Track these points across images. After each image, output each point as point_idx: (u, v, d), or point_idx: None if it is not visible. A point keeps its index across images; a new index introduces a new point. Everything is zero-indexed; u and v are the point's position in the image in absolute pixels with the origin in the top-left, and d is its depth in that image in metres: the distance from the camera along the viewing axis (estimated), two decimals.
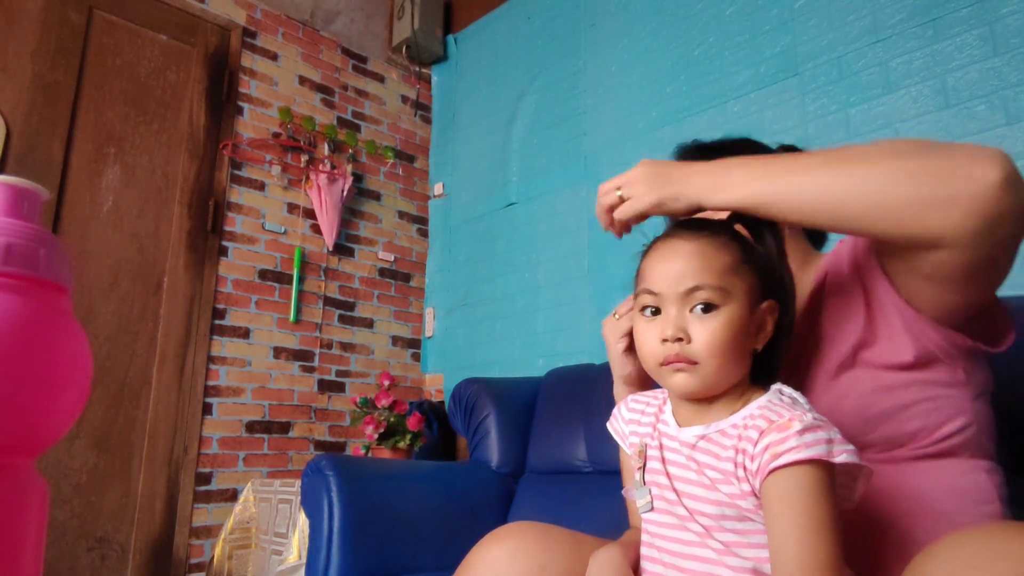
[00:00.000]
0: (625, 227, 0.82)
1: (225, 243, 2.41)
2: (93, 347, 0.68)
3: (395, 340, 2.84)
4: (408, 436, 2.23)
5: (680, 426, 0.74)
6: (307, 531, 1.49)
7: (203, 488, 2.23)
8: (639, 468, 0.76)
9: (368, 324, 2.76)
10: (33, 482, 0.43)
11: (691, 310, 0.68)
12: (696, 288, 0.67)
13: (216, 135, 2.45)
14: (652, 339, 0.70)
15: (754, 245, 0.73)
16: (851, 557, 0.70)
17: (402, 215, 2.97)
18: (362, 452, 2.32)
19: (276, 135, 2.59)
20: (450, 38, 3.13)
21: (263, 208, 2.53)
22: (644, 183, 0.77)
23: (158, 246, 2.27)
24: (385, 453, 2.23)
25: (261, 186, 2.54)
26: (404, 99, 3.07)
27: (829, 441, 0.62)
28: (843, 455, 0.61)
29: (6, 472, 0.40)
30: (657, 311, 0.70)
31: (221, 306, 2.37)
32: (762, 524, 0.65)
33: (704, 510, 0.68)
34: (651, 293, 0.70)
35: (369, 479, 1.46)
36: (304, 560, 1.80)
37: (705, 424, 0.71)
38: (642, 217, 0.79)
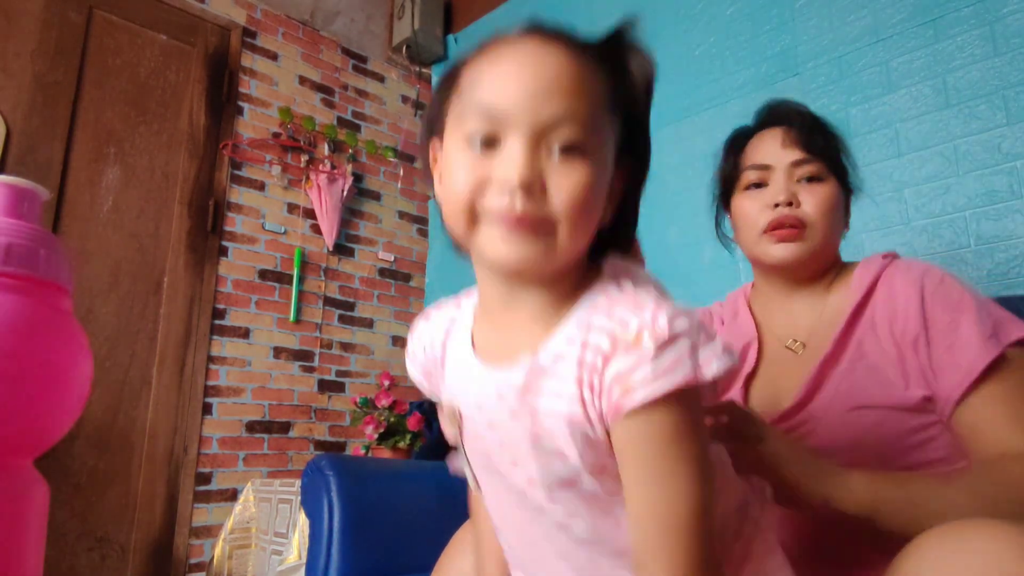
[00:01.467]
0: None
1: (225, 243, 2.41)
2: (93, 347, 0.68)
3: (395, 340, 2.84)
4: (408, 436, 2.23)
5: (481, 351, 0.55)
6: (307, 531, 1.49)
7: (203, 488, 2.23)
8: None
9: (368, 324, 2.76)
10: (33, 482, 0.43)
11: (546, 149, 0.48)
12: (563, 121, 0.48)
13: (216, 135, 2.45)
14: (469, 180, 0.48)
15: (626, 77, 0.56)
16: (850, 551, 0.70)
17: (402, 215, 2.97)
18: (362, 452, 2.32)
19: (276, 135, 2.59)
20: (450, 38, 3.13)
21: (263, 208, 2.53)
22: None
23: (158, 246, 2.27)
24: (385, 453, 2.23)
25: (261, 186, 2.53)
26: (404, 99, 3.07)
27: (693, 349, 0.46)
28: (714, 363, 0.46)
29: (6, 472, 0.40)
30: (492, 142, 0.48)
31: (221, 306, 2.37)
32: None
33: (542, 479, 0.51)
34: (490, 117, 0.48)
35: (369, 479, 1.46)
36: (304, 560, 1.80)
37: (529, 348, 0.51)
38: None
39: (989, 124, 1.56)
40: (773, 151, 0.87)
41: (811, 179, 0.84)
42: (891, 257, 0.86)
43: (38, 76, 2.11)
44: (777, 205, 0.83)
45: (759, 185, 0.87)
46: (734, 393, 0.90)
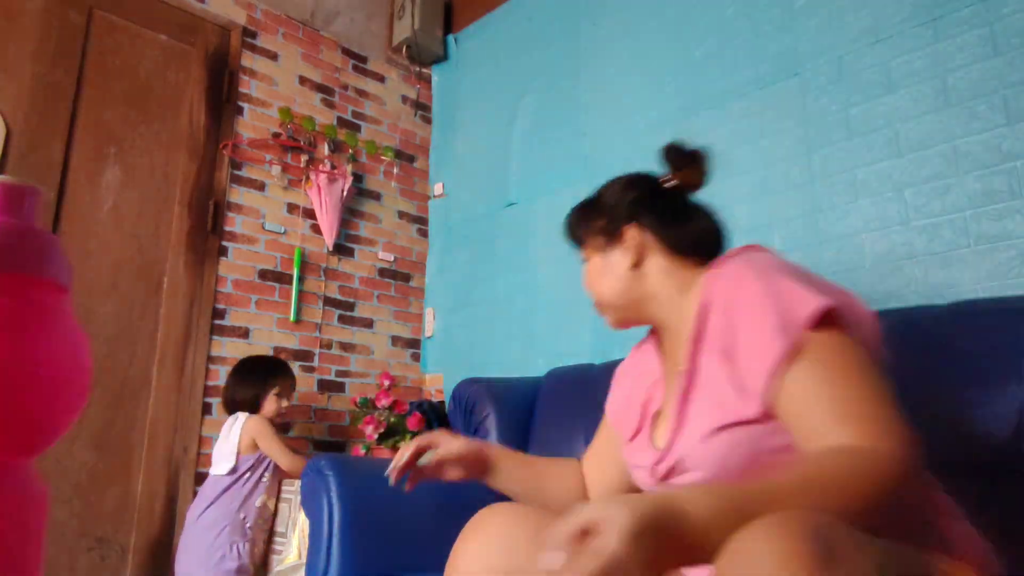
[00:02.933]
0: None
1: (225, 243, 2.41)
2: (93, 347, 0.68)
3: (395, 340, 2.84)
4: (408, 436, 2.23)
5: None
6: (307, 531, 1.49)
7: None
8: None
9: (368, 324, 2.76)
10: (33, 482, 0.43)
11: None
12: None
13: (216, 135, 2.45)
14: None
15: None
16: None
17: (402, 215, 2.97)
18: (362, 452, 2.32)
19: (276, 135, 2.59)
20: (450, 38, 3.13)
21: (263, 208, 2.53)
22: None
23: (158, 246, 2.27)
24: (385, 453, 2.23)
25: (261, 186, 2.53)
26: (404, 99, 3.07)
27: None
28: None
29: (6, 472, 0.40)
30: None
31: (221, 306, 2.37)
32: None
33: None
34: None
35: (369, 479, 1.46)
36: (304, 560, 1.80)
37: None
38: None
39: (989, 124, 1.56)
40: None
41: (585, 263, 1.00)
42: (723, 260, 0.85)
43: (38, 76, 2.11)
44: None
45: None
46: (644, 432, 0.93)
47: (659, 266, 0.92)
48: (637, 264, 0.92)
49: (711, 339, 0.79)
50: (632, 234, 0.93)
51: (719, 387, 0.77)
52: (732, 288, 0.78)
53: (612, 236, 0.94)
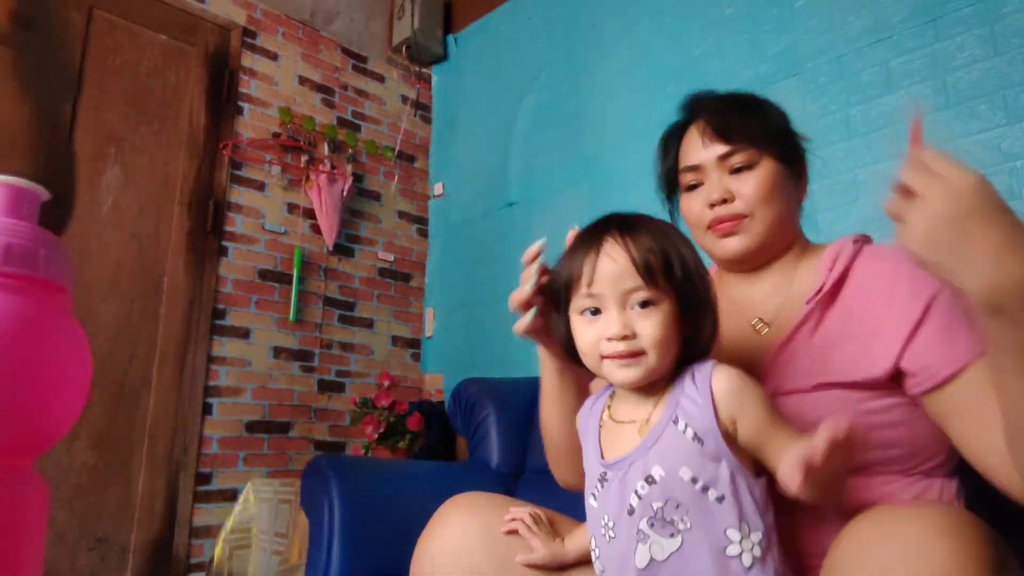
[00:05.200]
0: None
1: (225, 243, 2.41)
2: (93, 347, 0.68)
3: (395, 340, 2.84)
4: (408, 436, 2.23)
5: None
6: (307, 531, 1.49)
7: (203, 488, 2.23)
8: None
9: (368, 324, 2.76)
10: (33, 482, 0.42)
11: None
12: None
13: (216, 135, 2.45)
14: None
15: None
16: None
17: (402, 215, 2.97)
18: (362, 452, 2.32)
19: (276, 135, 2.59)
20: (450, 38, 3.13)
21: (263, 208, 2.53)
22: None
23: (158, 246, 2.27)
24: (385, 453, 2.24)
25: (261, 186, 2.53)
26: (404, 99, 3.07)
27: None
28: None
29: (6, 472, 0.40)
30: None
31: (221, 306, 2.37)
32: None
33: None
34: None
35: (369, 479, 1.46)
36: (304, 560, 1.80)
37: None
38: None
39: (989, 124, 1.56)
40: (697, 149, 0.87)
41: (740, 169, 0.84)
42: (862, 241, 0.85)
43: None
44: (713, 205, 0.85)
45: (695, 186, 0.88)
46: None
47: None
48: (800, 201, 0.90)
49: (848, 305, 0.80)
50: (807, 176, 0.90)
51: (840, 346, 0.78)
52: (911, 268, 0.75)
53: (795, 160, 0.88)
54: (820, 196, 1.80)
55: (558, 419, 0.95)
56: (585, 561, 0.83)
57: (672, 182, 0.93)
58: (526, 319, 0.80)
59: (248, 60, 2.57)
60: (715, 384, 0.69)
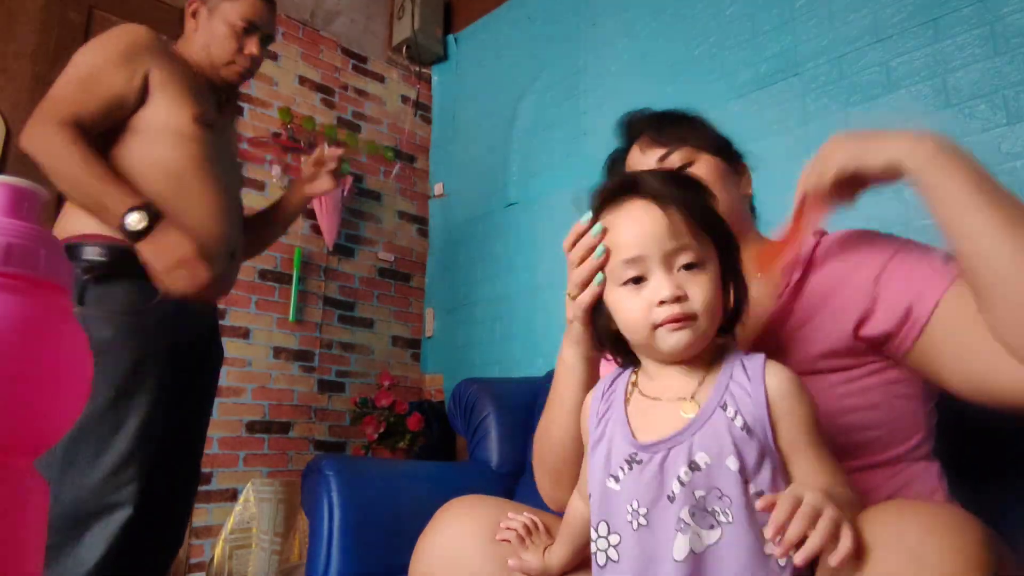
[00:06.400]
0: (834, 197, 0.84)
1: None
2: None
3: (395, 340, 2.84)
4: (408, 436, 2.23)
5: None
6: (307, 531, 1.49)
7: (203, 488, 2.23)
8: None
9: (368, 324, 2.76)
10: (33, 482, 0.43)
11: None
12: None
13: None
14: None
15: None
16: None
17: (402, 215, 2.97)
18: (362, 452, 2.32)
19: (276, 135, 2.59)
20: (450, 38, 3.13)
21: None
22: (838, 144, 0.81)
23: None
24: (385, 453, 2.24)
25: (261, 186, 2.53)
26: (404, 99, 3.07)
27: None
28: None
29: (6, 472, 0.40)
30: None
31: (221, 306, 2.37)
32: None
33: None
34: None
35: (369, 479, 1.46)
36: (304, 560, 1.80)
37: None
38: (841, 184, 0.82)
39: (989, 124, 1.56)
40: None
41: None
42: (820, 233, 0.89)
43: (38, 76, 2.11)
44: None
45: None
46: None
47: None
48: (747, 196, 0.96)
49: (813, 291, 0.83)
50: (748, 173, 0.97)
51: (810, 322, 0.81)
52: (863, 234, 0.88)
53: (733, 160, 0.95)
54: None
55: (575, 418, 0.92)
56: (573, 568, 0.80)
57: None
58: (593, 285, 0.72)
59: None
60: (770, 380, 0.65)
